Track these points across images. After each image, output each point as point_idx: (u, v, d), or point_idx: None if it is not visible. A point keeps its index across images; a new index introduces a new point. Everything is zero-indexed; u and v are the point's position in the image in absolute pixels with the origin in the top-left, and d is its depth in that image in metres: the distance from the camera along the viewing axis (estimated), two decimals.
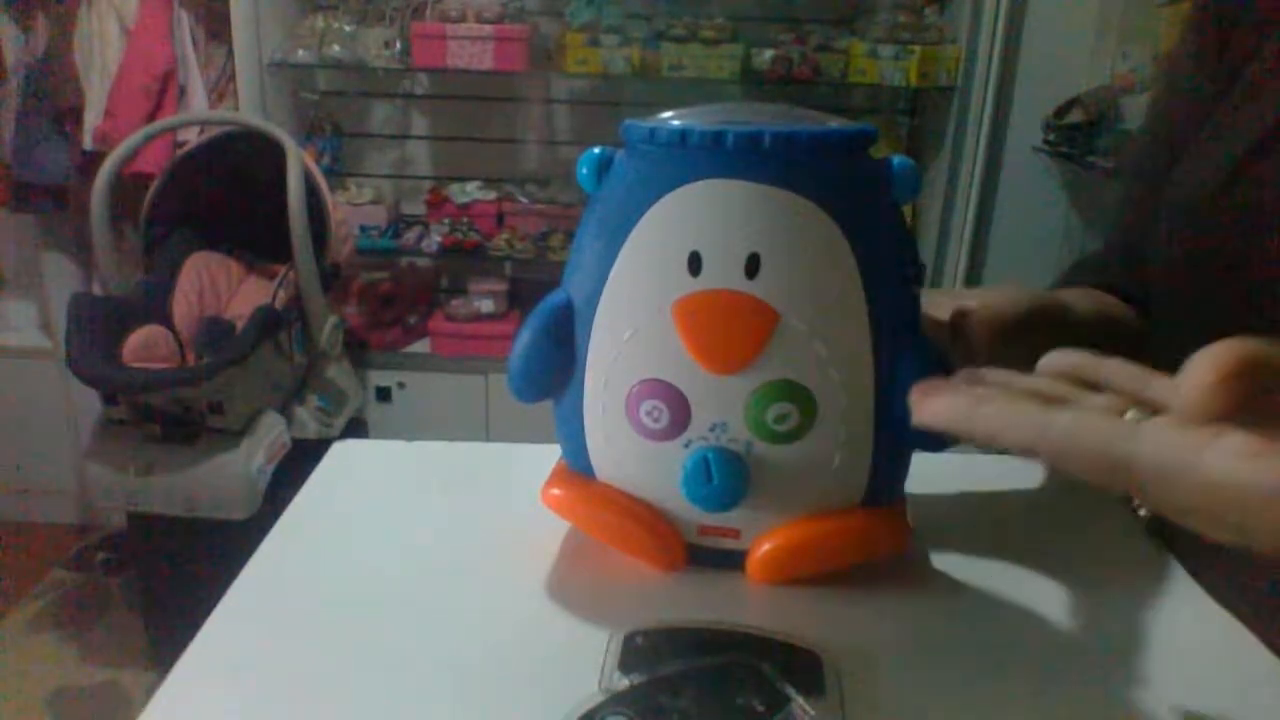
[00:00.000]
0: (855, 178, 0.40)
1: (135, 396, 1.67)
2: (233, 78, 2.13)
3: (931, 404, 0.33)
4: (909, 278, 0.42)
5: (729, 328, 0.40)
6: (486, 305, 2.31)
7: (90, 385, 1.65)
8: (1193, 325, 0.49)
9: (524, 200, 2.35)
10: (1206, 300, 0.49)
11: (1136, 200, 0.59)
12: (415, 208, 2.44)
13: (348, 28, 2.16)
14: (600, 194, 0.42)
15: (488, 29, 2.10)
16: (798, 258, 0.39)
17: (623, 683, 0.37)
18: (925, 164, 2.26)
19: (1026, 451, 0.31)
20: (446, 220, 2.30)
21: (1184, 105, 0.53)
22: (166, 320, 1.84)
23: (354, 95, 2.39)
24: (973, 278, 2.21)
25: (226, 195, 1.92)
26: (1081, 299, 0.53)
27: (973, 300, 0.47)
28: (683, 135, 0.39)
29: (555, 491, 0.46)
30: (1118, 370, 0.33)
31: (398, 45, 2.17)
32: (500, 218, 2.35)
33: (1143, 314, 0.55)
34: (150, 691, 0.38)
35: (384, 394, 2.26)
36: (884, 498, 0.44)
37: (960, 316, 0.46)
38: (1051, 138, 2.03)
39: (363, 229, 2.29)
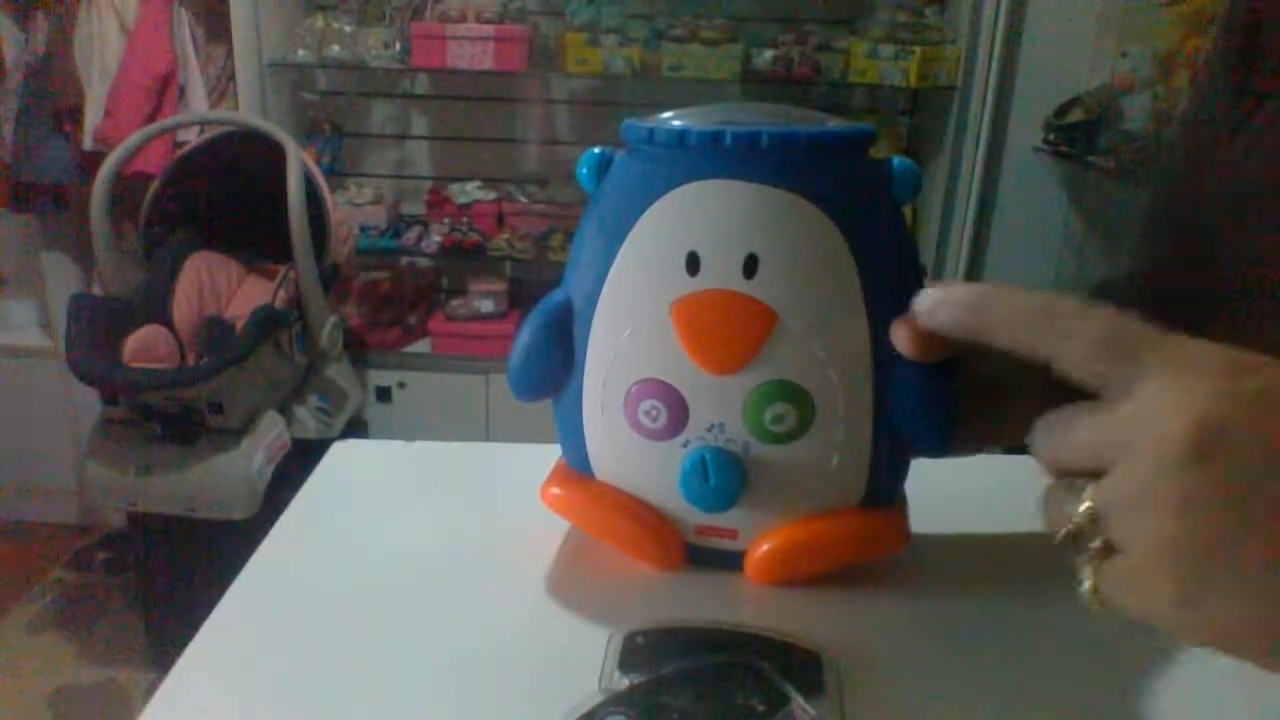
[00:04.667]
0: (855, 178, 0.40)
1: (135, 396, 1.67)
2: (233, 78, 2.13)
3: (976, 312, 0.34)
4: (909, 279, 0.42)
5: (727, 328, 0.40)
6: (486, 305, 2.31)
7: (90, 385, 1.65)
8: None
9: (524, 200, 2.35)
10: (1230, 324, 0.48)
11: (1159, 216, 0.57)
12: (415, 208, 2.44)
13: (348, 28, 2.16)
14: (599, 194, 0.42)
15: (487, 29, 2.11)
16: (796, 258, 0.39)
17: (623, 682, 0.37)
18: (925, 164, 2.26)
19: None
20: (446, 220, 2.30)
21: (1211, 118, 0.52)
22: (166, 320, 1.84)
23: (354, 95, 2.39)
24: (973, 278, 2.21)
25: (226, 195, 1.93)
26: None
27: None
28: (681, 136, 0.39)
29: (554, 490, 0.46)
30: None
31: (397, 45, 2.17)
32: (500, 218, 2.36)
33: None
34: (150, 691, 0.38)
35: (384, 394, 2.26)
36: (883, 498, 0.44)
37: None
38: (1051, 137, 2.04)
39: (363, 229, 2.29)
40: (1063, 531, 0.31)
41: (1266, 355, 0.43)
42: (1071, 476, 0.31)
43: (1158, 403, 0.29)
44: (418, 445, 0.60)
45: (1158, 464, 0.28)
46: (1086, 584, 0.30)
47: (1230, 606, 0.28)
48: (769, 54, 2.12)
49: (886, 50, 2.08)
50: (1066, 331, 0.31)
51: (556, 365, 0.43)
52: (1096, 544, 0.30)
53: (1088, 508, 0.30)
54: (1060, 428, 0.32)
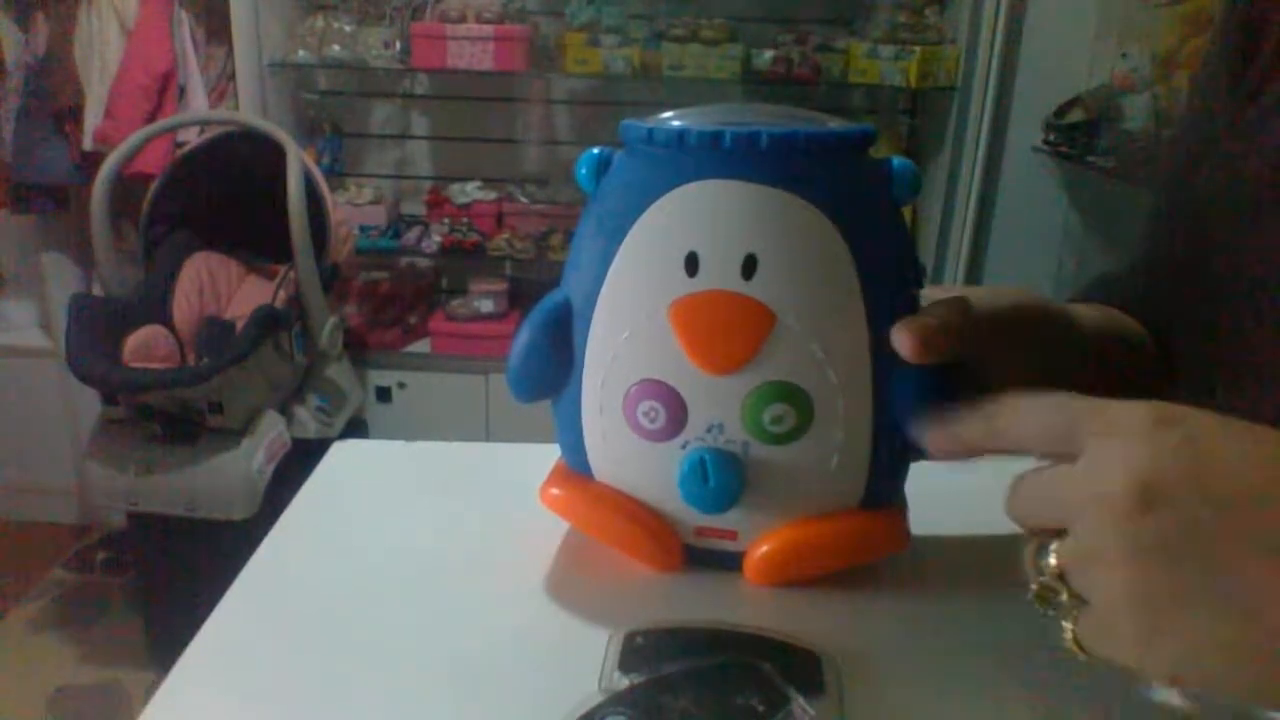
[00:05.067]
0: (854, 179, 0.40)
1: (135, 396, 1.67)
2: (233, 78, 2.13)
3: (942, 437, 0.37)
4: (908, 279, 0.42)
5: (726, 329, 0.40)
6: (486, 305, 2.31)
7: (90, 385, 1.65)
8: (1211, 350, 0.48)
9: (524, 200, 2.35)
10: (1223, 323, 0.48)
11: (1157, 217, 0.57)
12: (415, 208, 2.44)
13: (348, 28, 2.16)
14: (598, 194, 0.42)
15: (488, 29, 2.10)
16: (795, 259, 0.39)
17: (623, 683, 0.37)
18: (925, 164, 2.26)
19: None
20: (446, 220, 2.30)
21: (1208, 117, 0.52)
22: (166, 320, 1.84)
23: (354, 95, 2.39)
24: (973, 277, 2.22)
25: (226, 195, 1.93)
26: (1090, 313, 0.52)
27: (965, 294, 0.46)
28: (680, 136, 0.39)
29: (554, 491, 0.46)
30: None
31: (398, 45, 2.17)
32: (500, 218, 2.35)
33: (1156, 335, 0.54)
34: (150, 691, 0.38)
35: (384, 394, 2.26)
36: (883, 499, 0.44)
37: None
38: (1052, 137, 2.03)
39: (363, 229, 2.29)
40: (1033, 589, 0.33)
41: (1265, 357, 0.43)
42: (1042, 534, 0.34)
43: (1098, 465, 0.31)
44: (418, 445, 0.60)
45: (1104, 520, 0.30)
46: (1068, 634, 0.33)
47: (1189, 645, 0.29)
48: (769, 54, 2.12)
49: (886, 50, 2.08)
50: (1019, 430, 0.35)
51: (555, 366, 0.43)
52: (1064, 598, 0.32)
53: (1053, 566, 0.33)
54: (1024, 492, 0.35)
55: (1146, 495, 0.29)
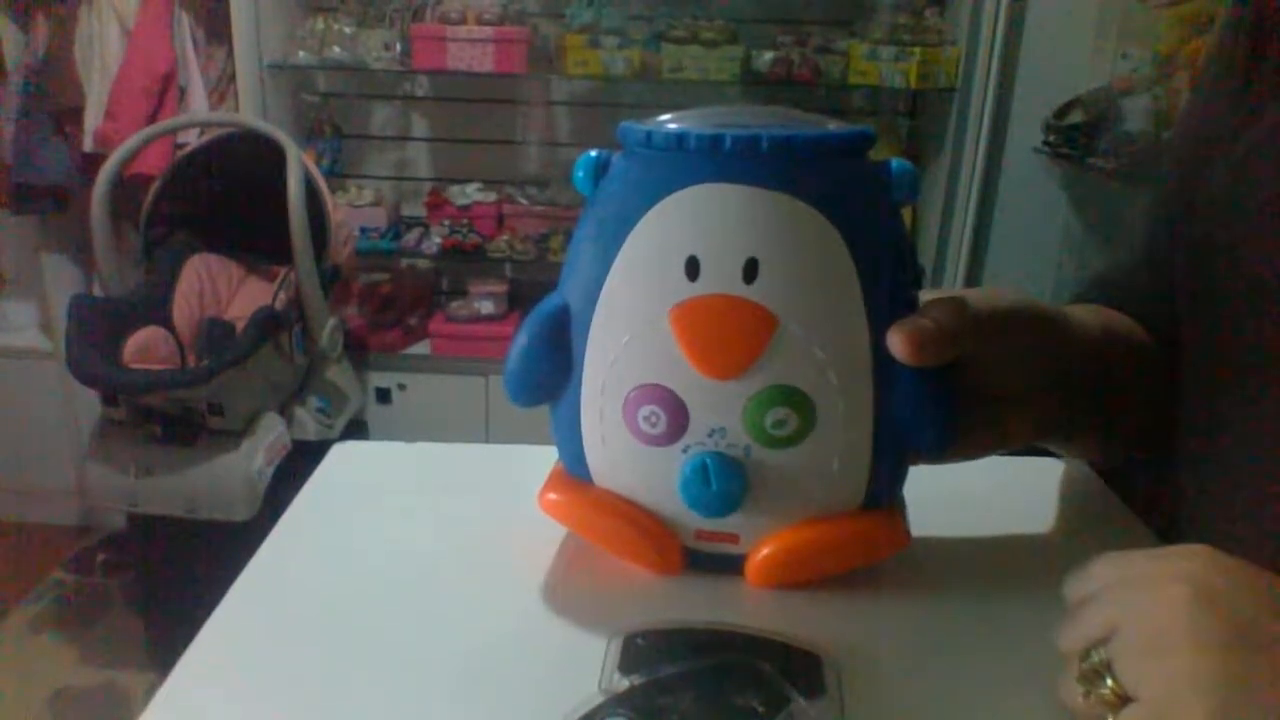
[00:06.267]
0: (854, 181, 0.40)
1: (135, 398, 1.67)
2: (233, 79, 2.13)
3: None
4: (908, 281, 0.42)
5: (727, 332, 0.40)
6: (486, 307, 2.31)
7: (90, 386, 1.65)
8: (1211, 350, 0.48)
9: (524, 202, 2.35)
10: (1228, 324, 0.48)
11: (1159, 218, 0.57)
12: (415, 209, 2.44)
13: (348, 29, 2.17)
14: (597, 197, 0.42)
15: (488, 31, 2.11)
16: (796, 262, 0.39)
17: (623, 684, 0.37)
18: (925, 165, 2.26)
19: None
20: (446, 222, 2.30)
21: (1212, 119, 0.52)
22: (166, 321, 1.84)
23: (354, 97, 2.39)
24: (973, 279, 2.22)
25: (227, 197, 1.93)
26: (1089, 315, 0.52)
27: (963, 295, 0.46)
28: (680, 139, 0.39)
29: (552, 496, 0.46)
30: None
31: (398, 47, 2.17)
32: (500, 219, 2.36)
33: (1157, 336, 0.53)
34: (150, 691, 0.38)
35: (384, 395, 2.26)
36: (883, 501, 0.44)
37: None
38: (1052, 139, 2.03)
39: (363, 230, 2.29)
40: (1078, 670, 0.34)
41: (1265, 357, 0.43)
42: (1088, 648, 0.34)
43: (1155, 570, 0.33)
44: (418, 447, 0.60)
45: (1166, 613, 0.31)
46: None
47: None
48: (769, 56, 2.12)
49: (886, 52, 2.09)
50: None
51: (553, 370, 0.43)
52: (1108, 690, 0.32)
53: (1101, 657, 0.33)
54: (1076, 616, 0.35)
55: (1210, 592, 0.31)
